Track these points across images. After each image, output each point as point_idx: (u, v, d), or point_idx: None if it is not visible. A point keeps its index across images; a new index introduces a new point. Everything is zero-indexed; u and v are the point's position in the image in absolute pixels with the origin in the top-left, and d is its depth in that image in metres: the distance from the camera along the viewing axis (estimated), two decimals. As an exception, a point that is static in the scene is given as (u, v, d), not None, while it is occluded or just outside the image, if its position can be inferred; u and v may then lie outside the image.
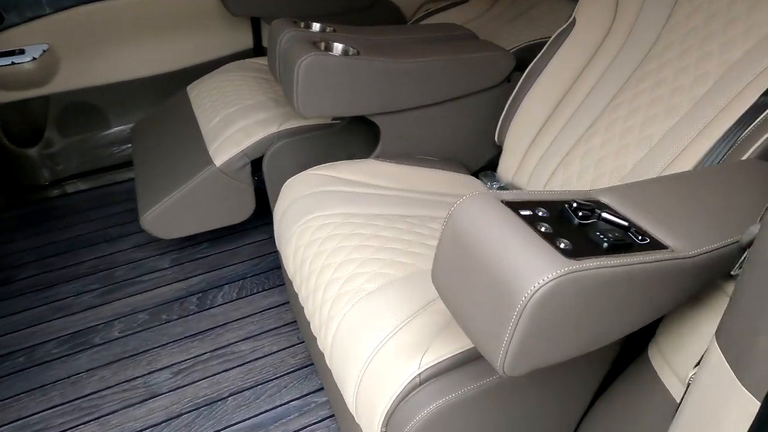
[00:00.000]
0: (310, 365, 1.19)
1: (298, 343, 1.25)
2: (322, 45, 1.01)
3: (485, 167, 1.23)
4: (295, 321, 1.30)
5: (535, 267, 0.43)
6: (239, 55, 1.89)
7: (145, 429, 1.08)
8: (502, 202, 0.51)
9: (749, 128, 0.75)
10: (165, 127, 1.54)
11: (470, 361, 0.69)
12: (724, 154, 0.76)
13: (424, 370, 0.67)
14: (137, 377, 1.18)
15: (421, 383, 0.67)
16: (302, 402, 1.12)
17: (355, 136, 1.30)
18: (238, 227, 1.59)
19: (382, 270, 0.81)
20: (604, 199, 0.58)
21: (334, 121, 1.30)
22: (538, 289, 0.42)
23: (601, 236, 0.49)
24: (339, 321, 0.76)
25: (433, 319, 0.72)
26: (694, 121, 0.85)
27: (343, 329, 0.75)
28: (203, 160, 1.30)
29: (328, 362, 0.81)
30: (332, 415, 1.08)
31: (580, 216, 0.51)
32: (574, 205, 0.52)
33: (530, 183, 1.08)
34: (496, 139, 1.16)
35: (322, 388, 1.14)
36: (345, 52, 1.01)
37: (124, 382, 1.17)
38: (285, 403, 1.11)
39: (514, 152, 1.11)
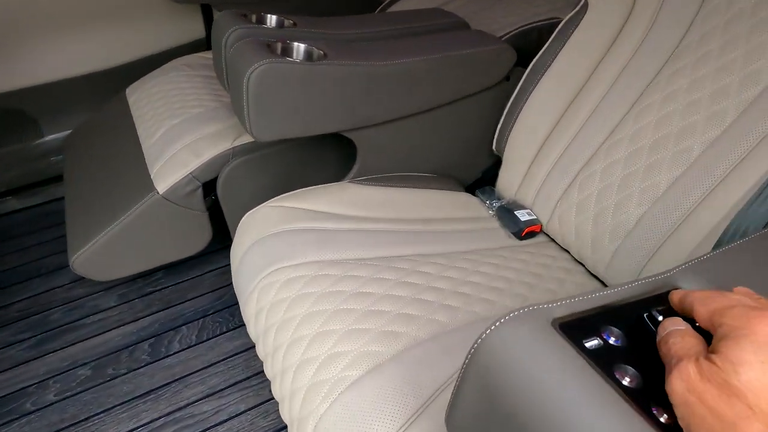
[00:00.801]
0: (284, 428, 1.01)
1: (269, 399, 1.06)
2: (279, 47, 0.80)
3: (481, 180, 1.05)
4: (266, 369, 1.11)
5: None
6: (190, 47, 1.65)
7: None
8: (554, 326, 0.32)
9: (834, 146, 0.58)
10: (100, 141, 1.31)
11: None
12: (801, 180, 0.59)
13: (434, 505, 0.49)
14: (77, 454, 0.98)
15: None
16: (278, 478, 0.94)
17: (328, 150, 1.10)
18: (198, 252, 1.38)
19: (369, 347, 0.62)
20: (685, 287, 0.40)
21: (299, 133, 1.09)
22: None
23: None
24: (315, 423, 0.58)
25: (438, 424, 0.54)
26: (745, 133, 0.68)
27: (320, 436, 0.57)
28: (143, 186, 1.08)
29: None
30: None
31: None
32: (659, 318, 0.34)
33: (537, 203, 0.90)
34: (494, 147, 0.97)
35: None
36: (309, 55, 0.80)
37: (61, 461, 0.97)
38: (257, 481, 0.93)
39: (516, 165, 0.93)
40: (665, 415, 0.28)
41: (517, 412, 0.30)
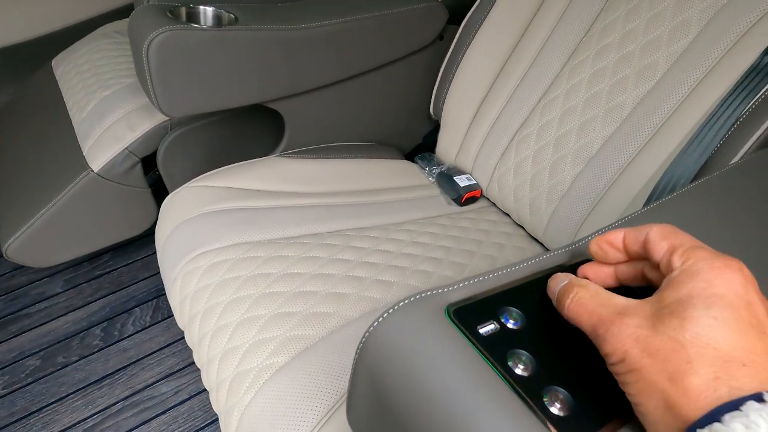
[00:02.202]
0: (239, 404, 1.01)
1: (224, 376, 1.05)
2: (184, 12, 0.73)
3: (421, 146, 1.01)
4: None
5: None
6: (118, 13, 1.53)
7: None
8: (448, 312, 0.30)
9: (757, 97, 0.56)
10: (26, 118, 1.23)
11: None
12: (726, 132, 0.58)
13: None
14: (31, 446, 0.97)
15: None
16: (233, 454, 0.94)
17: (272, 120, 1.05)
18: (147, 230, 1.33)
19: (295, 331, 0.61)
20: None
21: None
22: None
23: None
24: (240, 414, 0.57)
25: (363, 405, 0.54)
26: (675, 85, 0.65)
27: (245, 427, 0.56)
28: (76, 164, 1.02)
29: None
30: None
31: None
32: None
33: (476, 167, 0.88)
34: (431, 111, 0.94)
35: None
36: (218, 20, 0.74)
37: (14, 454, 0.96)
38: (215, 459, 0.94)
39: (454, 128, 0.90)
40: (558, 404, 0.27)
41: (405, 410, 0.28)
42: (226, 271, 0.68)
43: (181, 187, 0.79)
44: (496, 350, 0.29)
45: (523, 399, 0.27)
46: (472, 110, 0.86)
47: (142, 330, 1.15)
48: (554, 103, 0.76)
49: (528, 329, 0.31)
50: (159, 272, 1.26)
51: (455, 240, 0.79)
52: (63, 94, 1.21)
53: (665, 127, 0.66)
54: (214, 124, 1.03)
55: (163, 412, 1.01)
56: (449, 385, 0.27)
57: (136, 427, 0.99)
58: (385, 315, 0.32)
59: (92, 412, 1.02)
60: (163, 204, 0.79)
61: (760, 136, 0.55)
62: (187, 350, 1.11)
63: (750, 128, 0.56)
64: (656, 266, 0.29)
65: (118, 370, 1.08)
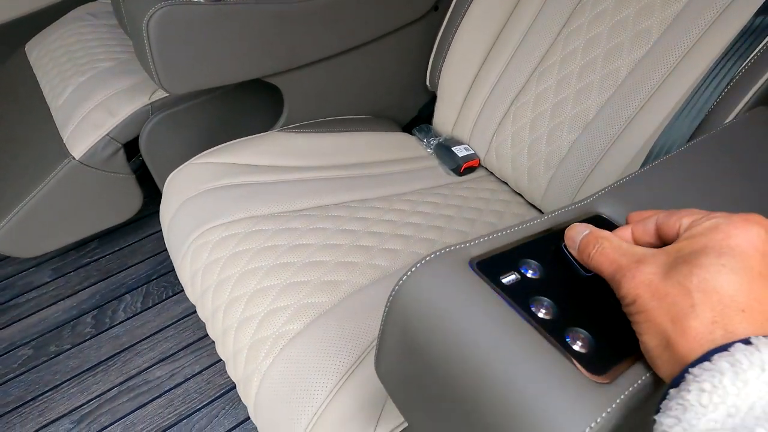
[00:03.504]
0: (242, 383, 1.01)
1: (224, 357, 1.05)
2: (181, -14, 0.72)
3: (418, 119, 1.02)
4: (218, 329, 1.09)
5: (558, 416, 0.25)
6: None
7: (47, 502, 0.87)
8: (472, 265, 0.32)
9: (750, 58, 0.59)
10: (2, 104, 1.19)
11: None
12: (720, 93, 0.60)
13: (382, 446, 0.50)
14: (28, 435, 0.95)
15: (379, 463, 0.50)
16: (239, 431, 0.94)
17: (258, 98, 1.04)
18: (134, 216, 1.31)
19: (308, 299, 0.61)
20: (606, 212, 0.40)
21: (223, 81, 1.02)
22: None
23: None
24: (260, 380, 0.57)
25: (384, 365, 0.55)
26: (669, 49, 0.67)
27: (266, 391, 0.56)
28: (57, 152, 1.00)
29: (253, 420, 0.62)
30: (277, 442, 0.92)
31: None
32: None
33: (473, 137, 0.89)
34: (427, 83, 0.94)
35: (261, 410, 0.97)
36: (215, -6, 0.73)
37: (11, 444, 0.94)
38: (218, 437, 0.94)
39: (451, 99, 0.91)
40: (579, 342, 0.28)
41: (436, 354, 0.29)
42: (235, 244, 0.67)
43: (184, 165, 0.78)
44: (518, 297, 0.30)
45: (547, 338, 0.28)
46: (468, 80, 0.87)
47: (133, 316, 1.14)
48: (550, 71, 0.78)
49: (547, 278, 0.32)
50: (148, 258, 1.25)
51: (456, 209, 0.80)
52: (39, 80, 1.17)
53: (660, 90, 0.68)
54: (197, 107, 1.02)
55: (159, 396, 1.00)
56: (477, 329, 0.29)
57: (133, 411, 0.98)
58: (413, 269, 0.32)
59: (88, 398, 1.00)
60: (166, 182, 0.78)
61: (752, 96, 0.58)
62: (180, 335, 1.10)
63: (743, 89, 0.58)
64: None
65: (111, 357, 1.07)
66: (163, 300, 1.16)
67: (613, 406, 0.25)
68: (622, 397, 0.25)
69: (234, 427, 0.95)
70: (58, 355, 1.07)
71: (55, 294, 1.18)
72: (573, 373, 0.26)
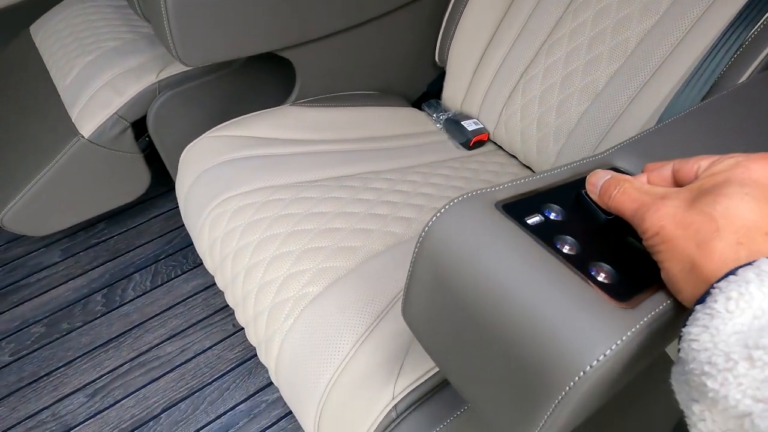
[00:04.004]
0: (253, 357, 1.02)
1: (234, 332, 1.07)
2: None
3: (426, 95, 1.03)
4: (228, 306, 1.10)
5: (584, 336, 0.26)
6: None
7: (64, 473, 0.89)
8: (497, 207, 0.33)
9: (760, 23, 0.60)
10: (9, 86, 1.19)
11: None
12: (730, 59, 0.61)
13: (400, 400, 0.51)
14: (43, 409, 0.97)
15: (398, 416, 0.51)
16: (250, 404, 0.96)
17: (263, 76, 1.04)
18: (141, 197, 1.31)
19: (326, 263, 0.62)
20: (622, 165, 0.41)
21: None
22: (594, 371, 0.25)
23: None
24: (281, 340, 0.59)
25: (400, 324, 0.56)
26: (678, 18, 0.69)
27: (287, 350, 0.58)
28: (66, 131, 1.00)
29: (274, 381, 0.64)
30: (288, 414, 0.94)
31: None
32: None
33: (482, 112, 0.90)
34: (436, 58, 0.95)
35: (272, 383, 0.98)
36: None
37: (27, 418, 0.96)
38: (230, 410, 0.95)
39: (460, 74, 0.92)
40: (603, 274, 0.30)
41: (465, 288, 0.31)
42: (253, 213, 0.68)
43: (198, 138, 0.79)
44: (543, 235, 0.32)
45: (571, 269, 0.29)
46: (477, 55, 0.88)
47: (142, 294, 1.15)
48: (560, 43, 0.79)
49: (569, 221, 0.34)
50: (155, 238, 1.26)
51: (466, 181, 0.82)
52: (45, 62, 1.17)
53: (669, 60, 0.69)
54: (204, 86, 1.02)
55: (171, 371, 1.01)
56: (504, 262, 0.30)
57: (145, 385, 0.99)
58: (442, 210, 0.34)
59: (100, 373, 1.02)
60: (182, 155, 0.79)
61: (763, 59, 0.59)
62: (190, 312, 1.11)
63: (753, 53, 0.59)
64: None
65: (122, 334, 1.08)
66: (172, 279, 1.17)
67: (636, 327, 0.26)
68: (644, 320, 0.27)
69: (245, 400, 0.96)
70: (70, 332, 1.08)
71: (66, 273, 1.19)
72: (597, 299, 0.27)
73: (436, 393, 0.53)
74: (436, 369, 0.53)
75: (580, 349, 0.25)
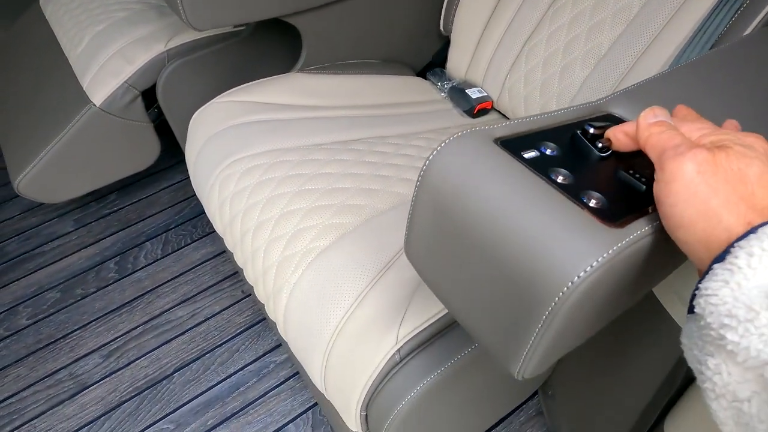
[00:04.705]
0: (261, 321, 1.05)
1: (243, 298, 1.10)
2: None
3: (431, 65, 1.04)
4: (237, 272, 1.13)
5: (571, 250, 0.28)
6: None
7: (82, 427, 0.93)
8: (496, 142, 0.35)
9: (759, -16, 0.60)
10: (21, 57, 1.21)
11: (453, 323, 0.57)
12: (731, 18, 0.62)
13: (404, 345, 0.54)
14: (60, 369, 1.01)
15: (401, 360, 0.54)
16: (259, 365, 0.99)
17: (269, 46, 1.06)
18: (150, 169, 1.33)
19: (333, 219, 0.64)
20: (617, 111, 0.43)
21: (237, 28, 1.04)
22: (579, 283, 0.27)
23: (635, 174, 0.34)
24: (289, 291, 0.61)
25: (404, 276, 0.58)
26: (682, -18, 0.69)
27: (295, 301, 0.60)
28: (78, 99, 1.02)
29: (282, 334, 0.66)
30: (295, 374, 0.97)
31: (600, 147, 0.36)
32: (591, 131, 0.37)
33: (486, 80, 0.91)
34: (441, 28, 0.96)
35: (280, 345, 1.02)
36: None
37: (45, 377, 1.00)
38: (239, 370, 0.98)
39: (465, 43, 0.93)
40: (593, 201, 0.31)
41: (464, 215, 0.33)
42: (261, 173, 0.71)
43: (207, 104, 0.81)
44: (538, 167, 0.34)
45: (563, 194, 0.31)
46: (481, 23, 0.89)
47: (154, 262, 1.18)
48: (563, 9, 0.80)
49: (563, 157, 0.36)
50: (165, 209, 1.29)
51: (470, 147, 0.83)
52: (55, 33, 1.19)
53: (671, 23, 0.70)
54: (213, 55, 1.04)
55: (182, 334, 1.05)
56: (501, 188, 0.32)
57: (158, 347, 1.03)
58: (442, 145, 0.36)
59: (115, 336, 1.05)
60: (191, 120, 0.81)
61: (764, 16, 0.60)
62: (200, 278, 1.14)
63: (754, 10, 0.60)
64: None
65: (135, 299, 1.11)
66: (182, 247, 1.20)
67: (622, 243, 0.28)
68: (631, 237, 0.29)
69: (254, 361, 1.00)
70: (85, 297, 1.12)
71: (79, 242, 1.22)
72: (586, 219, 0.29)
73: (437, 339, 0.55)
74: (438, 316, 0.55)
75: (568, 262, 0.27)
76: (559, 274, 0.27)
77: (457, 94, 0.91)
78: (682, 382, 0.49)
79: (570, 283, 0.27)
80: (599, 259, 0.27)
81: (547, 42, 0.82)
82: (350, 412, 0.59)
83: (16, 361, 1.02)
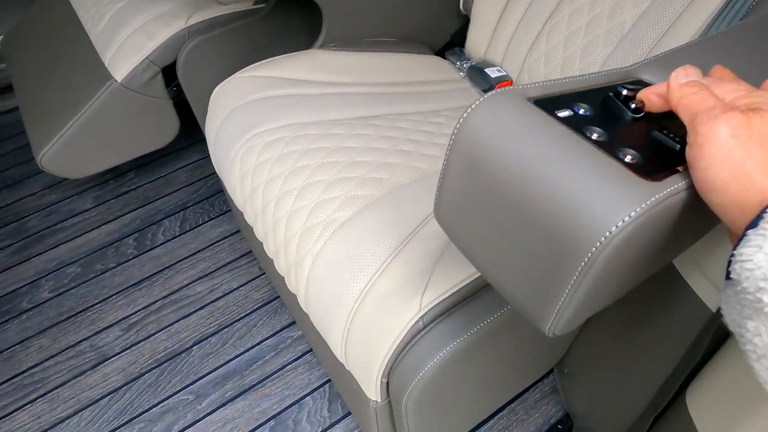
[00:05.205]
0: (278, 297, 1.07)
1: (260, 275, 1.11)
2: None
3: (450, 44, 1.04)
4: (252, 251, 1.15)
5: (609, 200, 0.28)
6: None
7: (104, 397, 0.95)
8: (529, 101, 0.35)
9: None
10: (43, 36, 1.22)
11: (476, 292, 0.58)
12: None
13: (427, 312, 0.55)
14: (82, 341, 1.03)
15: (425, 326, 0.55)
16: (276, 339, 1.01)
17: (289, 23, 1.06)
18: (168, 148, 1.36)
19: (355, 191, 0.65)
20: (648, 77, 0.43)
21: (258, 5, 1.04)
22: (617, 234, 0.28)
23: (669, 134, 0.35)
24: (312, 260, 0.62)
25: (427, 246, 0.59)
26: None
27: (318, 270, 0.61)
28: (100, 76, 1.03)
29: (302, 306, 0.68)
30: (312, 349, 0.99)
31: (633, 108, 0.36)
32: (623, 92, 0.37)
33: (506, 59, 0.91)
34: (461, 7, 0.96)
35: (296, 322, 1.03)
36: None
37: (67, 348, 1.02)
38: (257, 344, 1.00)
39: (485, 22, 0.92)
40: (629, 157, 0.32)
41: (499, 171, 0.33)
42: (283, 147, 0.71)
43: (228, 78, 0.81)
44: (573, 125, 0.34)
45: (599, 149, 0.31)
46: (502, 2, 0.88)
47: (172, 239, 1.20)
48: (587, -14, 0.79)
49: (597, 116, 0.36)
50: (183, 187, 1.31)
51: (489, 125, 0.83)
52: (75, 10, 1.20)
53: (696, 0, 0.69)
54: (233, 32, 1.04)
55: (201, 308, 1.07)
56: (536, 143, 0.32)
57: (177, 321, 1.05)
58: (476, 103, 0.36)
59: (134, 309, 1.07)
60: (213, 94, 0.81)
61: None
62: (217, 255, 1.15)
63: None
64: None
65: (154, 274, 1.13)
66: (200, 225, 1.22)
67: (659, 195, 0.29)
68: (668, 190, 0.29)
69: (271, 336, 1.01)
70: (105, 272, 1.14)
71: (98, 219, 1.24)
72: (623, 172, 0.30)
73: (460, 306, 0.56)
74: (462, 285, 0.56)
75: (605, 212, 0.28)
76: (597, 224, 0.28)
77: (476, 73, 0.91)
78: (705, 351, 0.50)
79: (608, 233, 0.27)
80: (637, 209, 0.27)
81: (569, 20, 0.82)
82: (371, 380, 0.60)
83: (39, 333, 1.04)
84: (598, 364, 0.78)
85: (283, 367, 0.97)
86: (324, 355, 0.78)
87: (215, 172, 1.32)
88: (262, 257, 0.92)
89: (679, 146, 0.34)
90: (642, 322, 0.64)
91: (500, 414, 0.90)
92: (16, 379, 0.98)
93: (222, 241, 1.18)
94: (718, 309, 0.55)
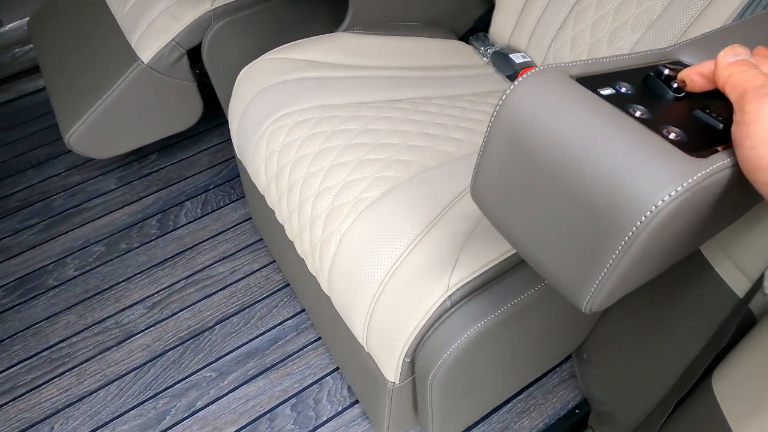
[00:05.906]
0: (299, 279, 1.08)
1: (281, 257, 1.12)
2: None
3: (473, 30, 1.04)
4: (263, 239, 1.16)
5: (655, 175, 0.29)
6: None
7: (129, 372, 0.97)
8: (572, 79, 0.35)
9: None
10: (69, 17, 1.24)
11: (503, 273, 0.58)
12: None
13: (455, 291, 0.56)
14: (107, 317, 1.05)
15: (452, 305, 0.56)
16: (297, 320, 1.02)
17: (314, 6, 1.06)
18: (190, 132, 1.37)
19: (383, 173, 0.66)
20: (686, 59, 0.43)
21: (283, -11, 1.05)
22: (662, 208, 0.28)
23: (711, 114, 0.35)
24: (339, 239, 0.63)
25: (456, 227, 0.60)
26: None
27: (345, 248, 0.62)
28: (127, 57, 1.05)
29: (324, 286, 0.69)
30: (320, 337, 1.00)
31: (675, 88, 0.36)
32: (665, 72, 0.37)
33: (531, 45, 0.90)
34: (486, -9, 0.95)
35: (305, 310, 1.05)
36: None
37: (93, 324, 1.04)
38: (278, 324, 1.02)
39: (510, 7, 0.92)
40: (673, 134, 0.32)
41: (541, 146, 0.33)
42: (310, 128, 0.72)
43: (255, 60, 0.82)
44: (615, 102, 0.34)
45: (644, 125, 0.32)
46: (530, -15, 0.88)
47: (194, 220, 1.21)
48: (617, -29, 0.78)
49: (639, 95, 0.36)
50: (204, 170, 1.32)
51: (514, 110, 0.83)
52: (101, -7, 1.21)
53: (730, -16, 0.68)
54: (258, 15, 1.05)
55: (222, 288, 1.08)
56: (581, 118, 0.32)
57: (199, 300, 1.07)
58: (518, 81, 0.36)
59: (158, 288, 1.09)
60: (239, 76, 0.82)
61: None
62: (238, 237, 1.17)
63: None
64: None
65: (176, 254, 1.15)
66: (221, 207, 1.23)
67: (704, 172, 0.29)
68: (713, 167, 0.29)
69: (292, 316, 1.03)
70: (129, 251, 1.16)
71: (122, 200, 1.26)
72: (668, 148, 0.30)
73: (488, 287, 0.57)
74: (490, 265, 0.57)
75: (650, 187, 0.28)
76: (642, 198, 0.28)
77: (500, 58, 0.91)
78: (733, 335, 0.50)
79: (654, 207, 0.28)
80: (684, 185, 0.28)
81: (596, 5, 0.81)
82: (393, 359, 0.61)
83: (65, 309, 1.07)
84: (618, 350, 0.79)
85: (304, 347, 0.98)
86: (336, 341, 0.79)
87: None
88: (273, 245, 0.94)
89: (722, 125, 0.34)
90: (665, 307, 0.64)
91: (518, 398, 0.91)
92: (44, 353, 1.01)
93: (243, 224, 1.19)
94: (745, 295, 0.55)
